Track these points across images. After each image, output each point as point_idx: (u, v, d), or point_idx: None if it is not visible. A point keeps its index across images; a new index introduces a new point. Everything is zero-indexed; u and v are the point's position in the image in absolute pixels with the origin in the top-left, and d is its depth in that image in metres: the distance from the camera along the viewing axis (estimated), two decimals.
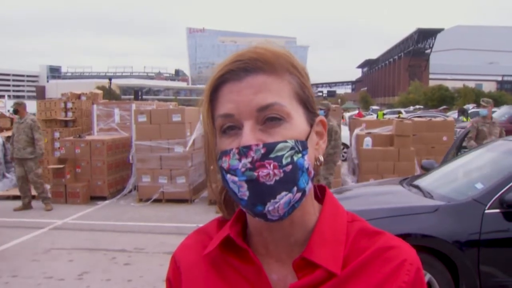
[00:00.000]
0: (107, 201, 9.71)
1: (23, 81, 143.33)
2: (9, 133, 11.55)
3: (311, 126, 0.83)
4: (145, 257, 6.16)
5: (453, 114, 23.82)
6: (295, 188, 0.76)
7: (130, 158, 10.31)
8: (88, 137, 10.49)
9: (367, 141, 10.03)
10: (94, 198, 9.79)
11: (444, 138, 10.90)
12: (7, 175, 11.15)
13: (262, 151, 0.75)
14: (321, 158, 0.85)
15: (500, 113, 18.36)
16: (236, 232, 0.86)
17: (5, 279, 5.38)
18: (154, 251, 6.32)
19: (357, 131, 10.64)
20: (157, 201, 9.42)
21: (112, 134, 10.95)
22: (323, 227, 0.84)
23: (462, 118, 21.36)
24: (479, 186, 4.20)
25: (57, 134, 11.50)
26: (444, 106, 43.04)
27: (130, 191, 10.34)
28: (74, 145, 9.91)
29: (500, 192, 3.95)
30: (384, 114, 26.24)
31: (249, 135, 0.76)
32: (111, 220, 8.14)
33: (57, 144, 11.16)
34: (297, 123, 0.79)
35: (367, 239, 0.85)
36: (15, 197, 10.06)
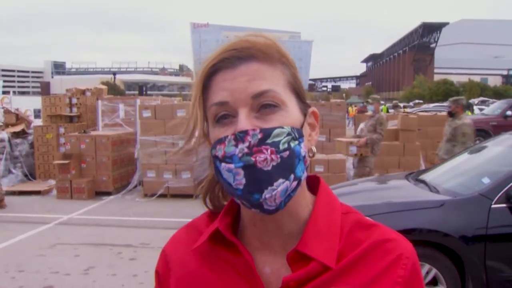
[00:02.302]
0: (112, 197, 9.75)
1: (28, 77, 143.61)
2: (15, 129, 11.61)
3: (305, 116, 0.83)
4: (151, 252, 6.17)
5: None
6: (292, 176, 0.75)
7: (136, 153, 10.32)
8: (93, 133, 10.53)
9: None
10: (99, 194, 9.83)
11: None
12: (13, 170, 11.20)
13: (259, 136, 0.74)
14: (314, 150, 0.84)
15: (493, 107, 18.29)
16: (226, 225, 0.85)
17: (12, 274, 5.41)
18: (159, 246, 6.30)
19: (362, 125, 10.60)
20: (162, 196, 9.45)
21: (117, 129, 10.98)
22: (318, 219, 0.82)
23: (467, 112, 21.30)
24: (486, 180, 4.18)
25: (62, 130, 11.52)
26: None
27: (135, 186, 10.37)
28: (79, 141, 9.94)
29: (507, 187, 3.92)
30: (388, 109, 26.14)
31: (245, 120, 0.75)
32: (116, 215, 8.16)
33: (62, 140, 11.19)
34: (292, 111, 0.79)
35: (362, 231, 0.83)
36: (21, 193, 10.12)
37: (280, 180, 0.74)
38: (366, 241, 0.82)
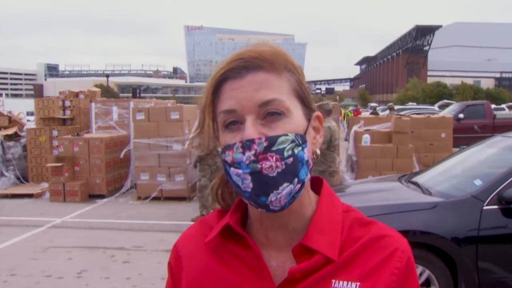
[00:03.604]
0: (105, 199, 9.71)
1: (20, 79, 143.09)
2: (7, 132, 11.55)
3: (309, 121, 0.88)
4: (144, 255, 6.16)
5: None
6: (296, 180, 0.80)
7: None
8: (86, 135, 10.48)
9: (366, 138, 10.03)
10: (93, 196, 9.79)
11: (443, 135, 10.89)
12: (6, 173, 11.14)
13: (265, 144, 0.78)
14: (318, 152, 0.90)
15: (448, 110, 18.88)
16: (235, 220, 0.90)
17: (4, 277, 5.38)
18: (153, 249, 6.32)
19: (355, 128, 10.64)
20: (156, 199, 9.42)
21: (110, 132, 10.94)
22: (321, 216, 0.89)
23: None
24: (478, 182, 4.20)
25: (55, 133, 11.48)
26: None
27: (129, 189, 10.34)
28: (72, 143, 9.90)
29: (499, 189, 3.94)
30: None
31: (251, 129, 0.79)
32: (110, 218, 8.14)
33: (55, 143, 11.15)
34: (296, 117, 0.84)
35: (361, 228, 0.90)
36: (14, 196, 10.08)
37: (285, 184, 0.79)
38: (364, 236, 0.88)
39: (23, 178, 11.37)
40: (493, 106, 36.77)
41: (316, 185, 0.95)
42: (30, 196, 10.06)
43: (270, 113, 0.81)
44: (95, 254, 6.22)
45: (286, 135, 0.80)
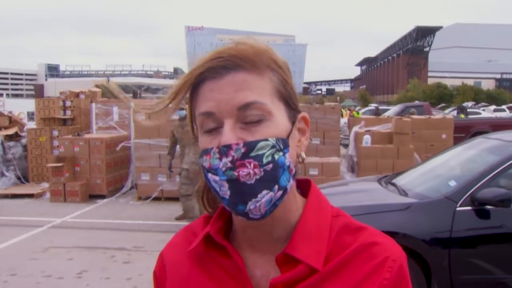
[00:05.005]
0: (106, 200, 9.71)
1: (21, 79, 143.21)
2: (8, 132, 11.55)
3: (293, 123, 0.83)
4: (145, 255, 6.15)
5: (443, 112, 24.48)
6: (276, 187, 0.76)
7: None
8: (86, 136, 10.48)
9: (366, 139, 10.03)
10: (93, 197, 9.78)
11: (443, 136, 10.89)
12: (6, 173, 11.13)
13: (243, 150, 0.74)
14: (303, 155, 0.85)
15: (390, 111, 19.65)
16: (217, 229, 0.86)
17: (4, 277, 5.37)
18: (153, 249, 6.30)
19: (355, 128, 10.63)
20: (157, 199, 9.42)
21: (111, 132, 10.94)
22: (307, 222, 0.84)
23: (461, 115, 21.41)
24: (452, 183, 4.18)
25: (55, 133, 11.47)
26: (443, 104, 43.09)
27: (129, 189, 10.33)
28: (72, 144, 9.90)
29: (472, 190, 3.92)
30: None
31: (229, 134, 0.75)
32: (110, 219, 8.13)
33: (55, 143, 11.14)
34: (279, 121, 0.79)
35: (350, 234, 0.84)
36: (14, 196, 10.07)
37: (264, 192, 0.75)
38: (353, 243, 0.83)
39: (23, 178, 11.36)
40: (493, 107, 36.92)
41: (304, 188, 0.91)
42: (30, 196, 10.05)
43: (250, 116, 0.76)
44: (95, 254, 6.21)
45: (266, 140, 0.75)
